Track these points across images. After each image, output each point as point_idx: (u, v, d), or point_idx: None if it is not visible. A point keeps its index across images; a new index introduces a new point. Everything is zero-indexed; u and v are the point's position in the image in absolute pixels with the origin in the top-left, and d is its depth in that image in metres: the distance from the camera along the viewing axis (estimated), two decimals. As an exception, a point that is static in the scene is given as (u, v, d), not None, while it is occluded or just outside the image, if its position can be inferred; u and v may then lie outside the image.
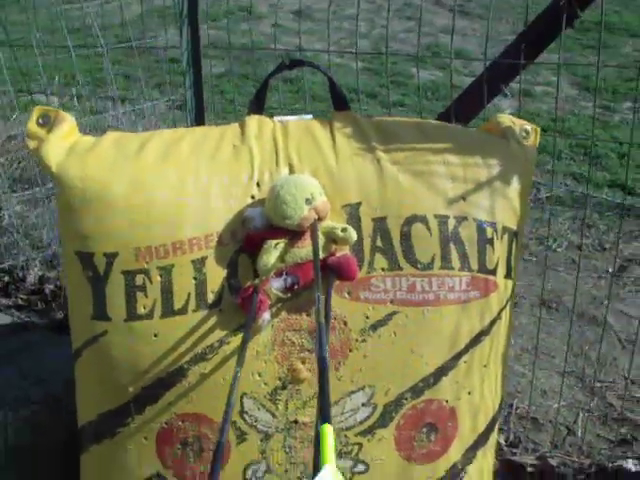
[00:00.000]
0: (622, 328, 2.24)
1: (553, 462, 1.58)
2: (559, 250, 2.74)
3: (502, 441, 1.64)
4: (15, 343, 1.56)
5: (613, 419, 1.78)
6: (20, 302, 2.14)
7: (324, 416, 0.60)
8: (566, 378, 1.86)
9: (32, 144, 1.08)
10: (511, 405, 1.77)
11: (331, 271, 0.99)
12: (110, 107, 2.86)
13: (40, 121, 1.09)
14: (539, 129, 1.20)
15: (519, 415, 1.77)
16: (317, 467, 0.63)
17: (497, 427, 1.23)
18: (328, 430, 0.59)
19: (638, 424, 1.74)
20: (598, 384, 1.92)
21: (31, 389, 1.37)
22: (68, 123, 1.10)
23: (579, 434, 1.69)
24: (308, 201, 0.99)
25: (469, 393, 1.13)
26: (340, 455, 1.07)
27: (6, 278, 2.27)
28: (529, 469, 1.56)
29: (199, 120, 1.66)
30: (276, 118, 1.15)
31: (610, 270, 2.56)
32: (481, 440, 1.18)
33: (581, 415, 1.77)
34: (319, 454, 0.61)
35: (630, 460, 1.56)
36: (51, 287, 2.15)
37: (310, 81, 4.49)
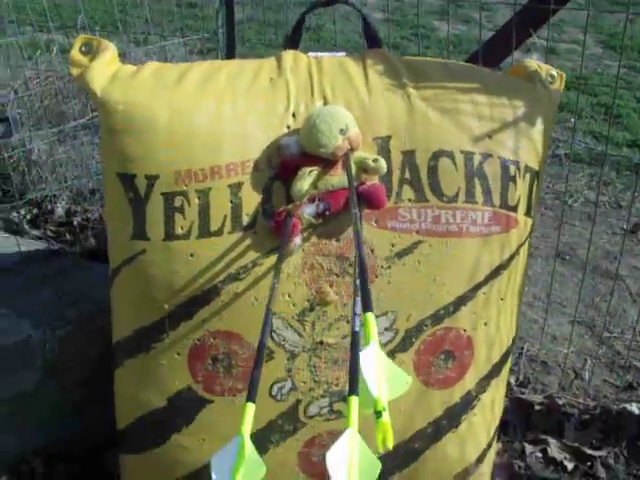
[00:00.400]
0: (633, 282, 2.29)
1: (560, 402, 1.64)
2: (575, 205, 2.77)
3: (512, 381, 1.70)
4: (50, 267, 1.61)
5: (620, 366, 1.84)
6: (49, 233, 2.20)
7: (366, 305, 0.66)
8: (576, 326, 1.92)
9: (75, 71, 1.12)
10: (522, 348, 1.83)
11: (361, 199, 1.04)
12: (132, 48, 2.87)
13: (83, 49, 1.13)
14: (564, 75, 1.23)
15: (529, 358, 1.83)
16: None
17: (510, 361, 1.29)
18: (371, 318, 0.65)
19: (644, 371, 1.80)
20: (607, 334, 1.97)
21: (66, 310, 1.43)
22: (110, 51, 1.14)
23: (586, 378, 1.75)
24: (342, 131, 1.04)
25: (486, 324, 1.18)
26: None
27: (35, 210, 2.33)
28: (537, 407, 1.62)
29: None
30: (310, 54, 1.19)
31: (625, 227, 2.60)
32: (495, 371, 1.23)
33: (589, 361, 1.83)
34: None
35: (634, 403, 1.62)
36: (78, 219, 2.21)
37: (331, 30, 4.48)
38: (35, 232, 2.22)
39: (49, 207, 2.33)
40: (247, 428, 0.77)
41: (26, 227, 2.23)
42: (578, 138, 3.27)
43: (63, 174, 2.44)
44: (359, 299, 0.80)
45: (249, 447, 0.77)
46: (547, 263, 2.34)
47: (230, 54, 1.64)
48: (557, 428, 1.57)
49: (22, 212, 2.33)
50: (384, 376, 0.70)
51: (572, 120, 3.34)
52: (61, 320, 1.41)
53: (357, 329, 0.70)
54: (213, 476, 0.76)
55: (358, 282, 0.76)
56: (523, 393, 1.68)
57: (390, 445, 0.68)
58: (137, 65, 1.15)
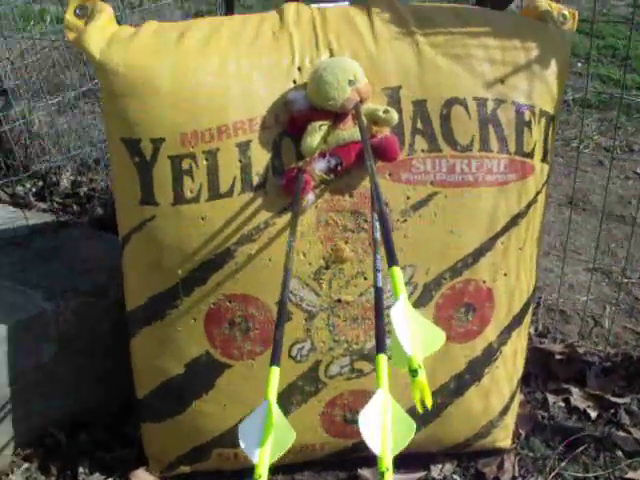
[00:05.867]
0: (649, 227, 2.25)
1: (580, 350, 1.62)
2: (586, 151, 2.72)
3: (531, 331, 1.68)
4: (59, 239, 1.59)
5: (639, 312, 1.82)
6: (56, 205, 2.18)
7: (391, 259, 0.63)
8: (593, 274, 1.89)
9: (71, 35, 1.09)
10: (540, 298, 1.81)
11: (373, 152, 1.01)
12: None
13: (78, 12, 1.10)
14: (577, 13, 1.19)
15: (548, 307, 1.80)
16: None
17: (530, 311, 1.27)
18: (397, 271, 0.62)
19: (664, 317, 1.78)
20: (625, 280, 1.94)
21: (78, 280, 1.41)
22: (106, 13, 1.11)
23: (606, 326, 1.73)
24: (351, 82, 1.00)
25: (505, 274, 1.16)
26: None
27: (40, 183, 2.30)
28: (557, 356, 1.60)
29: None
30: (313, 5, 1.15)
31: (638, 171, 2.56)
32: (516, 321, 1.22)
33: (608, 308, 1.81)
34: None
35: (656, 349, 1.60)
36: (85, 190, 2.18)
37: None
38: (42, 205, 2.20)
39: (54, 179, 2.31)
40: (273, 393, 0.75)
41: (33, 200, 2.20)
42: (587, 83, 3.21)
43: (66, 145, 2.40)
44: (379, 256, 0.78)
45: (277, 413, 0.74)
46: (560, 211, 2.30)
47: (229, 12, 1.60)
48: (579, 377, 1.56)
49: (27, 185, 2.31)
50: (417, 332, 0.68)
51: (579, 64, 3.28)
52: (74, 291, 1.39)
53: (380, 284, 0.67)
54: (241, 444, 0.73)
55: (378, 235, 0.73)
56: (543, 343, 1.66)
57: (429, 404, 0.66)
58: (135, 26, 1.12)
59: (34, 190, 2.29)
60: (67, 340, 1.36)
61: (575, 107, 2.93)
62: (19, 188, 2.29)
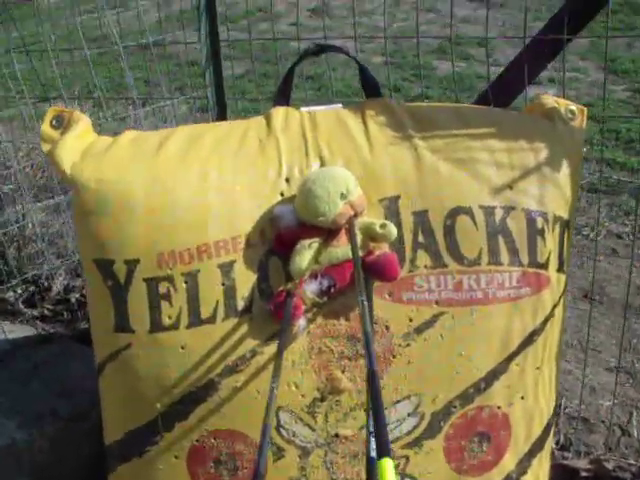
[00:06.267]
0: (673, 320, 2.13)
1: (609, 466, 1.48)
2: (598, 239, 2.63)
3: (552, 444, 1.55)
4: (39, 356, 1.49)
5: (670, 417, 1.69)
6: (45, 312, 2.09)
7: (381, 448, 0.50)
8: (616, 374, 1.77)
9: (46, 147, 1.02)
10: (559, 405, 1.68)
11: (370, 271, 0.91)
12: (131, 110, 2.81)
13: (54, 123, 1.04)
14: (585, 109, 1.10)
15: (568, 415, 1.67)
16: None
17: (552, 432, 1.15)
18: (388, 465, 0.49)
19: (698, 422, 1.64)
20: (651, 380, 1.82)
21: (56, 404, 1.30)
22: (83, 123, 1.04)
23: (635, 434, 1.59)
24: (343, 195, 0.91)
25: (522, 398, 1.04)
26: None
27: (31, 288, 2.21)
28: (583, 474, 1.46)
29: (221, 119, 1.58)
30: (303, 109, 1.07)
31: (655, 258, 2.45)
32: (536, 447, 1.09)
33: (635, 414, 1.68)
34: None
35: (693, 461, 1.46)
36: (77, 296, 2.09)
37: (332, 78, 4.42)
38: (31, 312, 2.10)
39: (46, 284, 2.22)
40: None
41: (21, 307, 2.11)
42: (592, 167, 3.15)
43: (64, 246, 2.33)
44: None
45: None
46: (575, 305, 2.19)
47: (221, 113, 1.53)
48: (608, 496, 1.42)
49: (19, 291, 2.22)
50: None
51: (584, 150, 3.22)
52: (52, 416, 1.28)
53: (373, 454, 0.55)
54: None
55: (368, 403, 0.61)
56: (566, 458, 1.52)
57: None
58: (117, 136, 1.04)
59: (25, 296, 2.20)
60: (42, 472, 1.24)
61: (584, 192, 2.86)
62: (10, 294, 2.20)
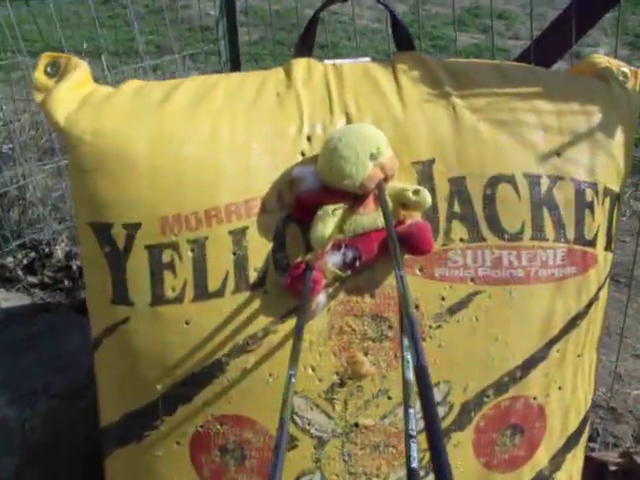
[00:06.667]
0: None
1: (639, 459, 1.39)
2: (623, 219, 2.53)
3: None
4: (35, 326, 1.40)
5: (703, 405, 1.59)
6: (46, 280, 2.00)
7: (440, 463, 0.39)
8: (642, 361, 1.68)
9: (39, 97, 0.91)
10: (585, 393, 1.58)
11: (401, 243, 0.80)
12: (141, 76, 2.71)
13: (49, 70, 0.93)
14: (639, 71, 0.99)
15: (594, 403, 1.57)
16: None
17: (588, 426, 1.05)
18: None
19: None
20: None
21: (51, 379, 1.21)
22: (81, 71, 0.93)
23: (665, 426, 1.50)
24: (373, 156, 0.80)
25: (560, 388, 0.94)
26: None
27: (32, 254, 2.12)
28: (612, 467, 1.37)
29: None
30: (327, 61, 0.96)
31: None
32: (571, 442, 1.00)
33: (664, 403, 1.59)
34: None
35: None
36: (78, 263, 2.00)
37: (347, 47, 4.29)
38: (31, 279, 2.01)
39: (47, 250, 2.13)
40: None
41: (20, 274, 2.02)
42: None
43: (68, 212, 2.23)
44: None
45: None
46: (600, 288, 2.09)
47: (235, 63, 1.40)
48: (639, 492, 1.33)
49: (19, 257, 2.13)
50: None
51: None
52: (46, 392, 1.19)
53: (414, 464, 0.45)
54: None
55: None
56: (593, 450, 1.42)
57: None
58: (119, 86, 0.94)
59: (25, 262, 2.11)
60: (34, 452, 1.16)
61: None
62: (9, 259, 2.11)
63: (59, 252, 2.14)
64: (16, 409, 1.14)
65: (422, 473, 0.89)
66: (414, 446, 0.45)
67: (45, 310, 1.50)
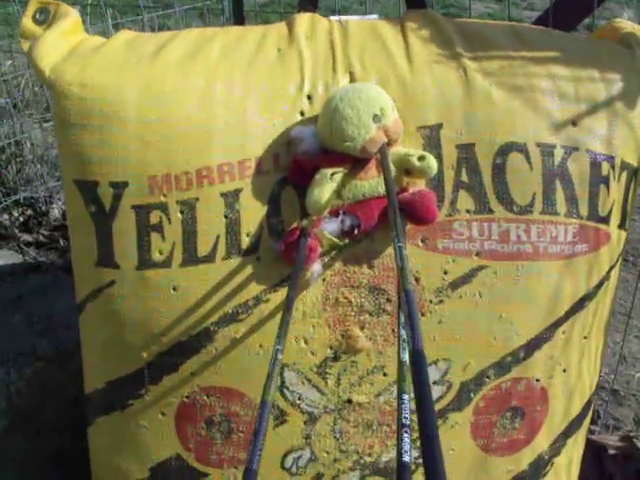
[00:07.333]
0: None
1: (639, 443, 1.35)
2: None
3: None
4: (25, 286, 1.36)
5: None
6: (41, 238, 1.96)
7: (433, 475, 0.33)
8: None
9: (26, 45, 0.86)
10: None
11: (403, 211, 0.75)
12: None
13: (37, 16, 0.87)
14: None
15: (597, 385, 1.54)
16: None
17: (591, 410, 1.01)
18: None
19: None
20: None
21: (38, 341, 1.18)
22: (72, 19, 0.88)
23: (668, 410, 1.47)
24: (376, 118, 0.75)
25: (564, 370, 0.90)
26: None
27: (28, 212, 2.08)
28: (611, 451, 1.33)
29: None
30: (333, 18, 0.91)
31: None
32: (574, 426, 0.96)
33: (668, 387, 1.55)
34: None
35: None
36: (74, 223, 1.95)
37: (358, 12, 4.20)
38: (26, 237, 1.97)
39: (43, 208, 2.08)
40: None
41: (15, 231, 1.97)
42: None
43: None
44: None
45: None
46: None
47: (239, 20, 1.33)
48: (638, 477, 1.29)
49: (15, 214, 2.09)
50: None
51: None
52: (33, 355, 1.15)
53: (406, 458, 0.40)
54: None
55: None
56: (593, 432, 1.39)
57: None
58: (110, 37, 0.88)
59: (21, 220, 2.07)
60: (20, 414, 1.12)
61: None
62: (5, 217, 2.07)
63: (56, 211, 2.10)
64: (1, 372, 1.11)
65: (416, 454, 0.85)
66: (407, 438, 0.41)
67: (37, 270, 1.47)
